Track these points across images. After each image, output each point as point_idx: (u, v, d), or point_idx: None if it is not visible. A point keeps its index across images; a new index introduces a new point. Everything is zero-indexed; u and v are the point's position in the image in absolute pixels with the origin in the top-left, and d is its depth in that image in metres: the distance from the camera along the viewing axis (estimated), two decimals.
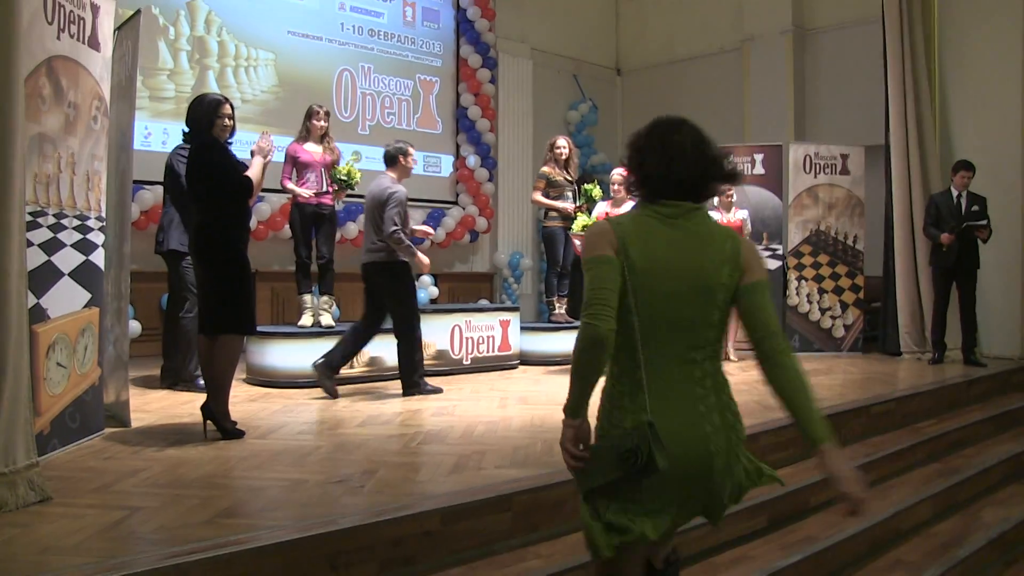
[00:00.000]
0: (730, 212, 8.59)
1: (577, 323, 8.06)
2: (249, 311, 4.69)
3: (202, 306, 4.69)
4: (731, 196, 8.56)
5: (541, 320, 9.86)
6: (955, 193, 8.31)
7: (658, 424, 2.19)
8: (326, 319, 7.05)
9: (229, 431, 4.61)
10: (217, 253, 4.58)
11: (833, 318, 9.47)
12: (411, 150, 6.41)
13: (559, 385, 6.75)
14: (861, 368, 8.15)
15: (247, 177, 4.66)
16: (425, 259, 6.40)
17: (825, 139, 10.47)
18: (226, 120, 4.81)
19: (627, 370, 2.29)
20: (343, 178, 6.99)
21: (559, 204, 7.97)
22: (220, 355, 4.62)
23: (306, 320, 7.03)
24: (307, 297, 7.10)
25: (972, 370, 7.87)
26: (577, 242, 7.19)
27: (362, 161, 10.16)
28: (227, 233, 4.61)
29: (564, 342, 8.30)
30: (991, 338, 8.91)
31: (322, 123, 7.04)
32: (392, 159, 6.33)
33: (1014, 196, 8.80)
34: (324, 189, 7.00)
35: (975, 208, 8.17)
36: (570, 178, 8.09)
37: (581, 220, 7.15)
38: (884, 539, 4.37)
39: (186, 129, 4.89)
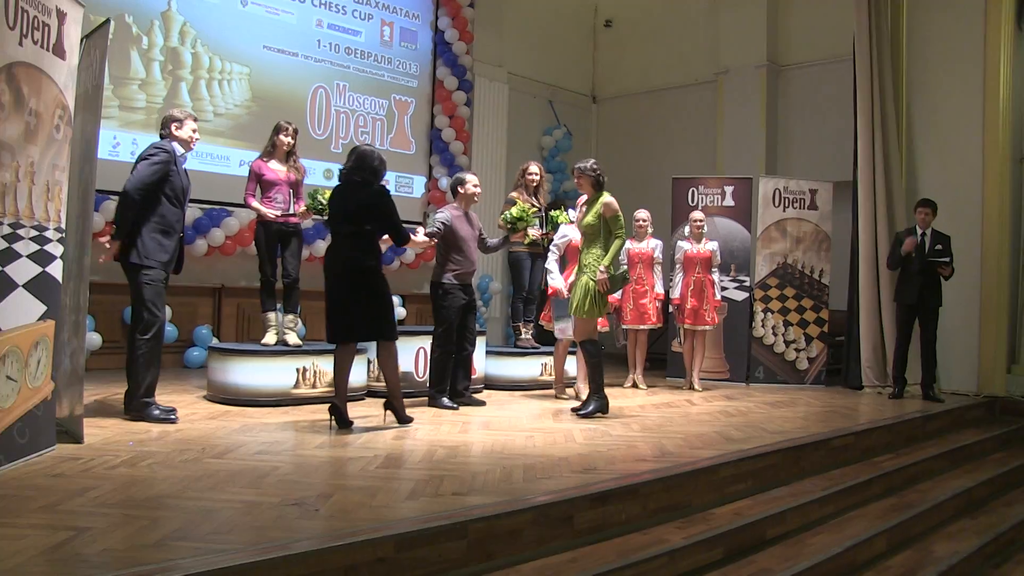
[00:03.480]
0: (700, 243, 8.66)
1: (544, 348, 8.19)
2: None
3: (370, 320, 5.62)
4: (701, 227, 8.61)
5: (508, 344, 9.82)
6: (919, 231, 8.40)
7: None
8: (292, 338, 6.96)
9: (405, 418, 5.81)
10: (370, 277, 5.60)
11: (798, 351, 9.50)
12: (468, 178, 6.99)
13: (523, 411, 6.72)
14: (823, 401, 8.18)
15: (407, 234, 5.89)
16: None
17: (795, 174, 10.60)
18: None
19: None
20: (320, 207, 6.64)
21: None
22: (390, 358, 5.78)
23: (269, 338, 6.94)
24: (271, 315, 7.01)
25: (930, 406, 7.95)
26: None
27: (334, 179, 10.12)
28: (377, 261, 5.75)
29: (530, 367, 8.26)
30: (949, 374, 9.03)
31: (289, 140, 6.96)
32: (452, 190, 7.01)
33: (974, 236, 8.95)
34: (291, 209, 6.92)
35: (939, 246, 8.26)
36: (538, 204, 8.10)
37: (516, 209, 7.07)
38: (840, 572, 4.36)
39: None
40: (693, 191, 9.83)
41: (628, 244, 8.61)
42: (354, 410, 6.40)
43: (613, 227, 6.47)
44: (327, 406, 5.68)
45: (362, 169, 5.65)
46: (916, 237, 8.36)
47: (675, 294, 8.73)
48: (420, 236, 6.29)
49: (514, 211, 6.91)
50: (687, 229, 8.77)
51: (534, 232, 7.83)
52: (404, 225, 5.87)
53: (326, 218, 6.54)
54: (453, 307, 6.67)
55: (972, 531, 5.41)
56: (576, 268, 6.69)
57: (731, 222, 9.71)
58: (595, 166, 6.63)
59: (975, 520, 5.67)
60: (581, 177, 6.60)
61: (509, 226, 6.97)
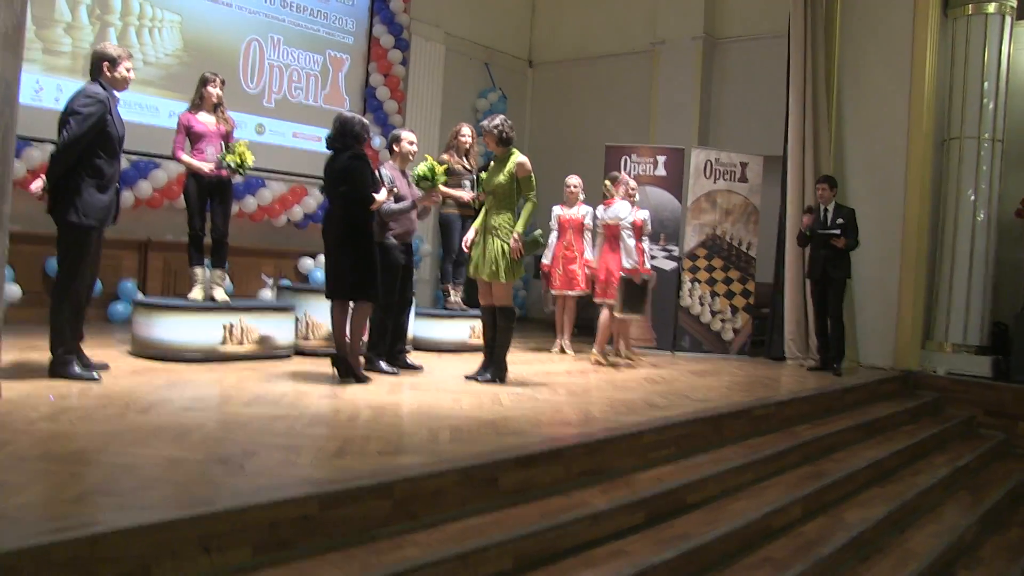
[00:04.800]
0: (572, 208, 8.71)
1: (472, 311, 8.16)
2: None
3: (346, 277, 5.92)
4: (634, 195, 8.68)
5: (436, 307, 9.82)
6: (821, 207, 8.59)
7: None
8: (219, 294, 6.88)
9: (361, 377, 5.98)
10: (357, 239, 5.94)
11: (723, 321, 9.69)
12: (403, 135, 6.87)
13: (450, 373, 6.76)
14: (747, 372, 8.37)
15: (370, 199, 6.04)
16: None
17: (726, 146, 10.73)
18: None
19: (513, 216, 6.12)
20: (234, 166, 6.62)
21: (455, 193, 7.94)
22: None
23: (196, 294, 6.84)
24: (198, 270, 6.91)
25: (847, 379, 8.15)
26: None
27: (265, 134, 9.98)
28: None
29: (458, 330, 8.30)
30: (868, 348, 9.28)
31: (217, 91, 6.81)
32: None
33: (896, 214, 9.16)
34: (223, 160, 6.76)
35: (839, 220, 8.40)
36: (469, 167, 8.11)
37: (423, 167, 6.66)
38: (756, 537, 4.49)
39: None
40: (625, 159, 9.91)
41: (559, 210, 8.74)
42: (284, 366, 6.39)
43: (525, 189, 6.31)
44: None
45: (343, 135, 5.95)
46: (816, 213, 8.55)
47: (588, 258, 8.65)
48: (381, 194, 6.16)
49: (420, 168, 6.54)
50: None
51: (465, 195, 7.80)
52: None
53: (241, 175, 6.64)
54: (394, 266, 6.59)
55: (881, 499, 5.61)
56: (481, 229, 6.39)
57: (663, 192, 9.81)
58: (500, 122, 6.34)
59: (884, 488, 5.88)
60: (485, 134, 6.37)
61: (417, 183, 6.63)
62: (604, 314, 8.07)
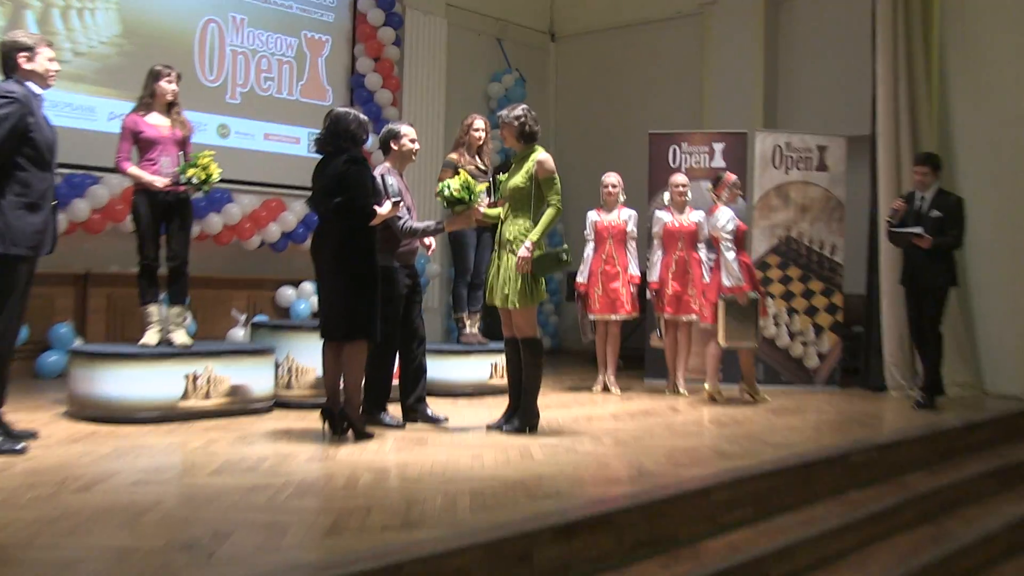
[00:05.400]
0: (683, 213, 8.66)
1: (493, 345, 8.10)
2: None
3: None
4: (684, 194, 8.61)
5: (449, 340, 9.74)
6: (917, 194, 8.27)
7: None
8: (179, 336, 6.85)
9: (363, 433, 5.94)
10: (356, 266, 5.90)
11: (805, 344, 9.57)
12: (403, 130, 6.80)
13: (468, 422, 6.73)
14: (838, 407, 8.25)
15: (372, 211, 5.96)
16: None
17: (799, 127, 10.61)
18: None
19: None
20: (196, 182, 6.64)
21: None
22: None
23: (150, 337, 6.82)
24: (153, 308, 6.89)
25: (972, 413, 7.92)
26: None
27: (231, 136, 10.00)
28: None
29: (476, 368, 8.24)
30: (996, 373, 9.02)
31: (172, 87, 6.84)
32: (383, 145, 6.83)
33: (1022, 202, 8.90)
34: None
35: (934, 213, 8.04)
36: (484, 167, 8.07)
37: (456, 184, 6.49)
38: None
39: None
40: (674, 149, 9.79)
41: (595, 215, 8.76)
42: (262, 423, 6.34)
43: (547, 192, 6.28)
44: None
45: (335, 135, 5.97)
46: (905, 202, 8.25)
47: (653, 277, 8.73)
48: (385, 207, 6.08)
49: (454, 184, 6.32)
50: (667, 196, 8.83)
51: (484, 207, 7.73)
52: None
53: (204, 192, 6.69)
54: (396, 295, 6.53)
55: None
56: (496, 244, 6.44)
57: None
58: (521, 113, 6.38)
59: None
60: (503, 128, 6.43)
61: (447, 205, 6.48)
62: (712, 344, 8.29)
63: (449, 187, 6.32)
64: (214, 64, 10.02)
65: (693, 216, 8.63)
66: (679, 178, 8.78)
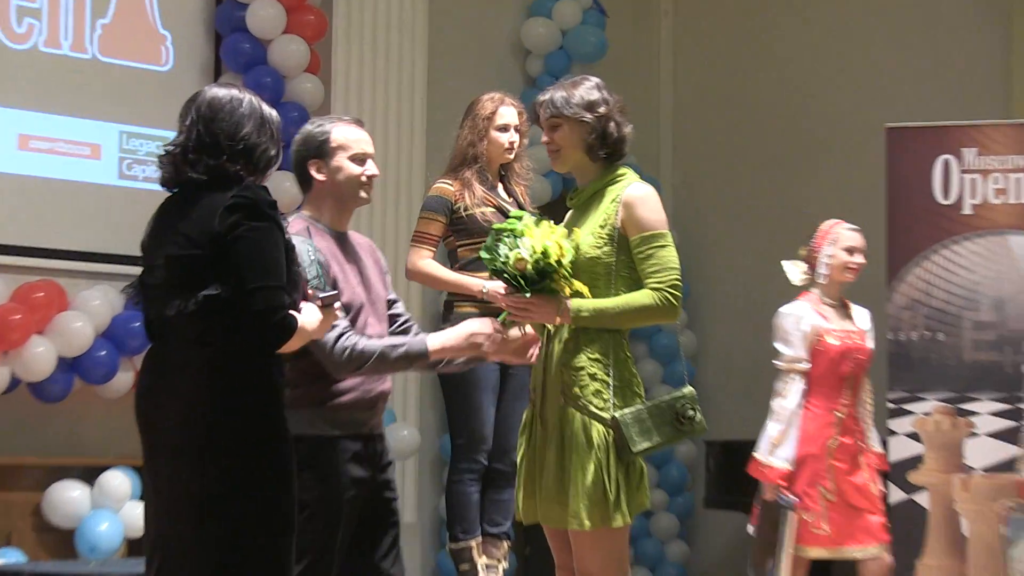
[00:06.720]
0: (843, 307, 5.67)
1: None
2: None
3: None
4: (857, 270, 5.57)
5: None
6: None
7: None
8: None
9: None
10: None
11: None
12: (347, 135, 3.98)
13: None
14: None
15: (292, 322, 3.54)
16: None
17: None
18: None
19: (618, 346, 3.40)
20: None
21: (466, 281, 5.18)
22: None
23: None
24: None
25: None
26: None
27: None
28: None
29: None
30: None
31: None
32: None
33: None
34: None
35: None
36: (519, 204, 5.43)
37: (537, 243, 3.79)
38: None
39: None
40: (946, 162, 6.20)
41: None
42: None
43: (642, 263, 3.65)
44: None
45: (208, 147, 3.28)
46: None
47: (783, 453, 5.52)
48: (311, 311, 3.25)
49: (530, 249, 3.61)
50: (803, 267, 5.63)
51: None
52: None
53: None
54: (335, 511, 3.91)
55: None
56: (532, 391, 3.81)
57: None
58: (597, 96, 3.69)
59: None
60: (558, 122, 3.71)
61: (514, 291, 3.76)
62: None
63: (512, 250, 3.71)
64: None
65: (859, 316, 5.51)
66: (851, 235, 5.53)
